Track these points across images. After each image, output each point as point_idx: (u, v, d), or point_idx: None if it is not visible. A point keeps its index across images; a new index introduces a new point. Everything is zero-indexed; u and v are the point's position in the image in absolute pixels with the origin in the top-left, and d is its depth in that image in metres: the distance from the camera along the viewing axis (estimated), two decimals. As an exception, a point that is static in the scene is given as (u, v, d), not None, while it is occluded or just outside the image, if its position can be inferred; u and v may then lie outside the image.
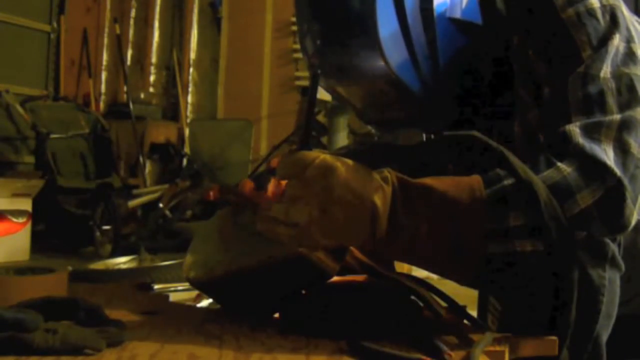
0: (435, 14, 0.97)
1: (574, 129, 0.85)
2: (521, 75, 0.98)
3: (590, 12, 0.91)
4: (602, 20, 0.91)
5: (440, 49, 0.98)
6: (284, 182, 0.81)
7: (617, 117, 0.86)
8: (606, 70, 0.88)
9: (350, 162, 0.81)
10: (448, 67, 0.99)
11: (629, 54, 0.90)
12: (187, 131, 5.83)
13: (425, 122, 1.04)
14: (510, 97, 1.01)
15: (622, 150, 0.84)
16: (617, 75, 0.88)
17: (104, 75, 6.27)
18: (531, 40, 0.96)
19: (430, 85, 0.99)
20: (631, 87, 0.88)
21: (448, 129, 0.99)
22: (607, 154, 0.83)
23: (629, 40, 0.91)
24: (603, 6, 0.92)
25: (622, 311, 0.89)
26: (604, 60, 0.89)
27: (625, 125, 0.86)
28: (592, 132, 0.85)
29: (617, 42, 0.90)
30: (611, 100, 0.87)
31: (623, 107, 0.87)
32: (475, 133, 0.86)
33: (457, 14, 0.99)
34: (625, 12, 0.94)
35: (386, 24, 0.95)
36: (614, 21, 0.91)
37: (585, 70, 0.89)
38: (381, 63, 0.95)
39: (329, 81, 1.03)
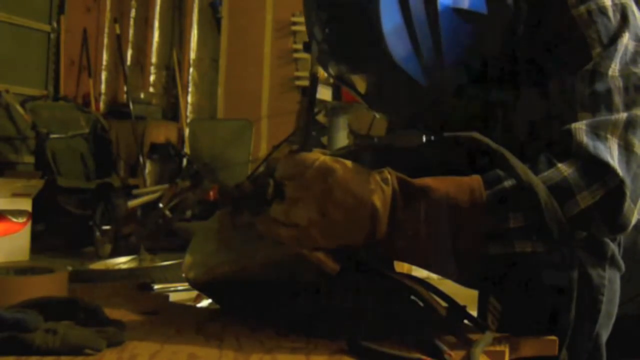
0: (439, 2, 0.96)
1: (580, 126, 0.85)
2: (526, 67, 0.98)
3: (602, 10, 0.91)
4: (613, 18, 0.91)
5: (444, 38, 0.97)
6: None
7: (623, 115, 0.86)
8: (614, 69, 0.88)
9: (349, 163, 0.81)
10: (452, 56, 0.99)
11: (638, 53, 0.90)
12: (187, 131, 5.83)
13: (430, 112, 1.04)
14: (514, 88, 1.00)
15: (627, 149, 0.84)
16: (625, 74, 0.88)
17: (104, 75, 6.26)
18: (539, 33, 0.95)
19: (434, 75, 0.99)
20: (638, 86, 0.88)
21: (450, 121, 0.99)
22: (612, 153, 0.83)
23: (638, 38, 0.91)
24: (614, 4, 0.92)
25: (623, 311, 0.89)
26: (613, 58, 0.89)
27: (630, 124, 0.86)
28: (599, 129, 0.85)
29: (626, 40, 0.90)
30: (618, 99, 0.87)
31: (629, 105, 0.87)
32: (475, 134, 0.86)
33: (463, 4, 0.98)
34: (635, 11, 0.94)
35: (389, 14, 0.94)
36: (624, 19, 0.91)
37: (594, 67, 0.89)
38: (384, 52, 0.95)
39: (340, 68, 1.02)
